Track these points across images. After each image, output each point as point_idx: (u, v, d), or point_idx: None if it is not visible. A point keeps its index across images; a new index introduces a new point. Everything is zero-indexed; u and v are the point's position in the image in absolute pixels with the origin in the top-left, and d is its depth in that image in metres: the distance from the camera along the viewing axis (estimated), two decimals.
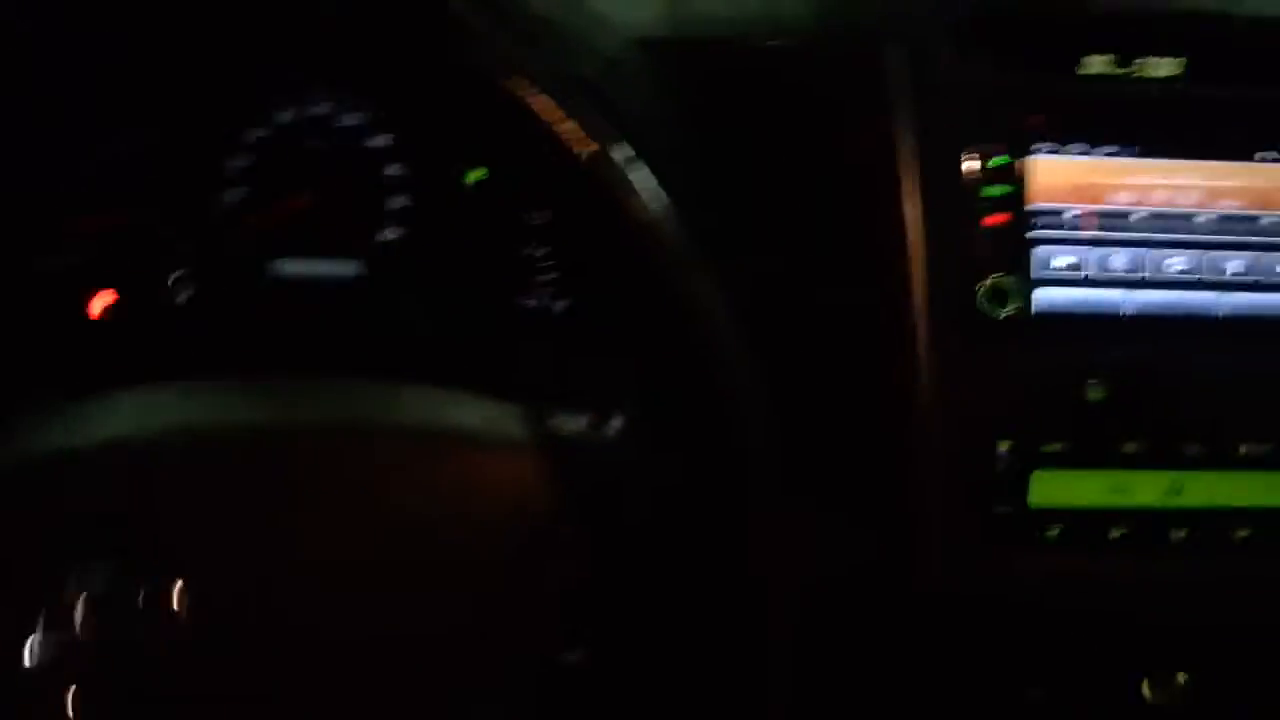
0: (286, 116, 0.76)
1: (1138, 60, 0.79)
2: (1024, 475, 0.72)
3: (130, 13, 0.65)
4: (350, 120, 0.77)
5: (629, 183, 0.52)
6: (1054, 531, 0.73)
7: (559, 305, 0.80)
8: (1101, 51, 0.79)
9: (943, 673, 0.81)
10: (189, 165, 0.75)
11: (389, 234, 0.78)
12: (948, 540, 0.72)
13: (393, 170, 0.78)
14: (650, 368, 0.52)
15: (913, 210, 0.71)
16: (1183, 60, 0.79)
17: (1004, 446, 0.72)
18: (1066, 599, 0.75)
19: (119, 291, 0.75)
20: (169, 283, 0.74)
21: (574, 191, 0.54)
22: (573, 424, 0.51)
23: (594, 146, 0.51)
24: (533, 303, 0.79)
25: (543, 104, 0.54)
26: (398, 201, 0.79)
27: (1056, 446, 0.72)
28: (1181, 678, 0.83)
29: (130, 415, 0.50)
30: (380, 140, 0.77)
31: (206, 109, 0.74)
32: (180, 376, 0.54)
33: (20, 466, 0.47)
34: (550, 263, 0.80)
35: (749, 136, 0.75)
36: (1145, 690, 0.83)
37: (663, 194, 0.53)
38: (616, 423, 0.51)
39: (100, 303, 0.74)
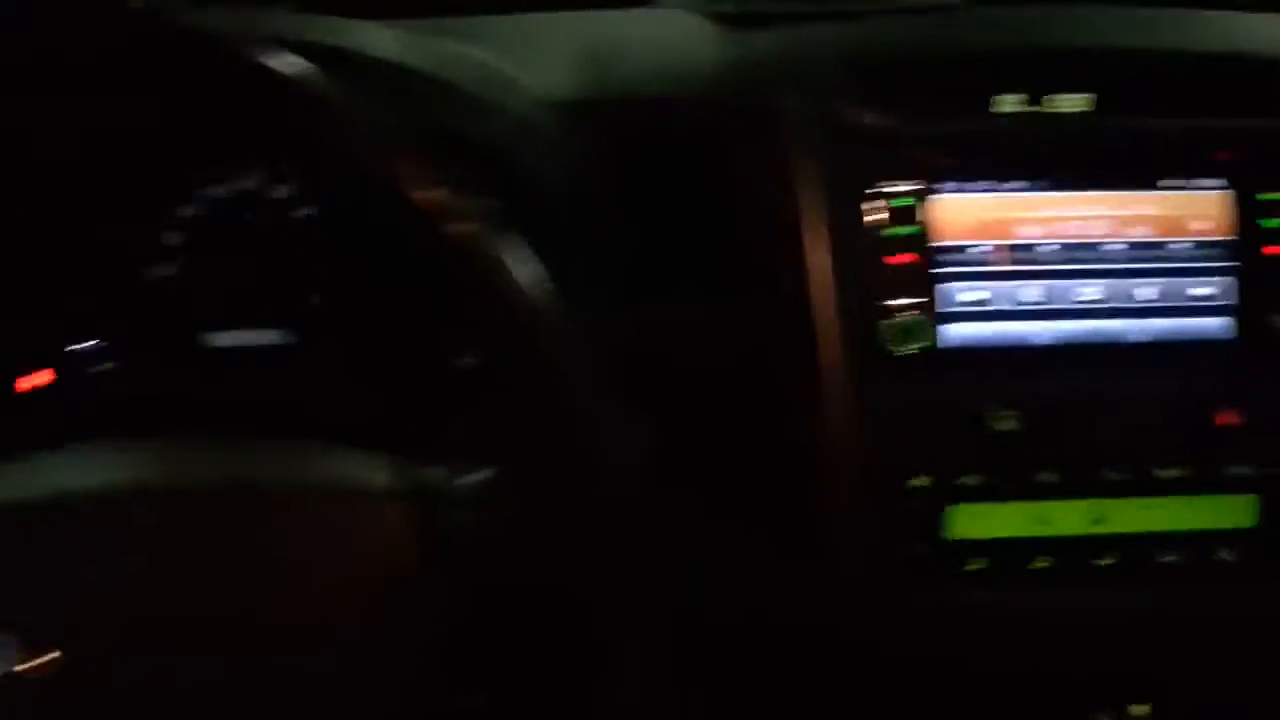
0: (217, 191, 0.79)
1: (1047, 97, 0.80)
2: (941, 510, 0.72)
3: (62, 93, 0.68)
4: (279, 193, 0.79)
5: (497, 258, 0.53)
6: (975, 565, 0.73)
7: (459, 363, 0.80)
8: (1010, 90, 0.80)
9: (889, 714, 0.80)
10: (121, 242, 0.78)
11: (314, 301, 0.80)
12: (867, 579, 0.72)
13: (316, 239, 0.81)
14: (514, 424, 0.54)
15: (816, 253, 0.73)
16: (1092, 95, 0.80)
17: (918, 482, 0.72)
18: (994, 634, 0.74)
19: (51, 367, 0.77)
20: (97, 356, 0.76)
21: (448, 261, 0.55)
22: (438, 476, 0.52)
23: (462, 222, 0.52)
24: (434, 362, 0.79)
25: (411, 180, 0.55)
26: (321, 270, 0.81)
27: (972, 480, 0.72)
28: (1138, 709, 0.82)
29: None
30: (305, 211, 0.79)
31: (138, 187, 0.77)
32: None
33: None
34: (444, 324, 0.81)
35: (661, 189, 0.77)
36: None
37: (533, 263, 0.54)
38: (481, 475, 0.52)
39: (29, 381, 0.76)
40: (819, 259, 0.73)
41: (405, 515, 0.51)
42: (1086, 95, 0.80)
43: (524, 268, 0.55)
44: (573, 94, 0.81)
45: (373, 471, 0.54)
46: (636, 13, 0.97)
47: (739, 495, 0.75)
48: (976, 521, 0.73)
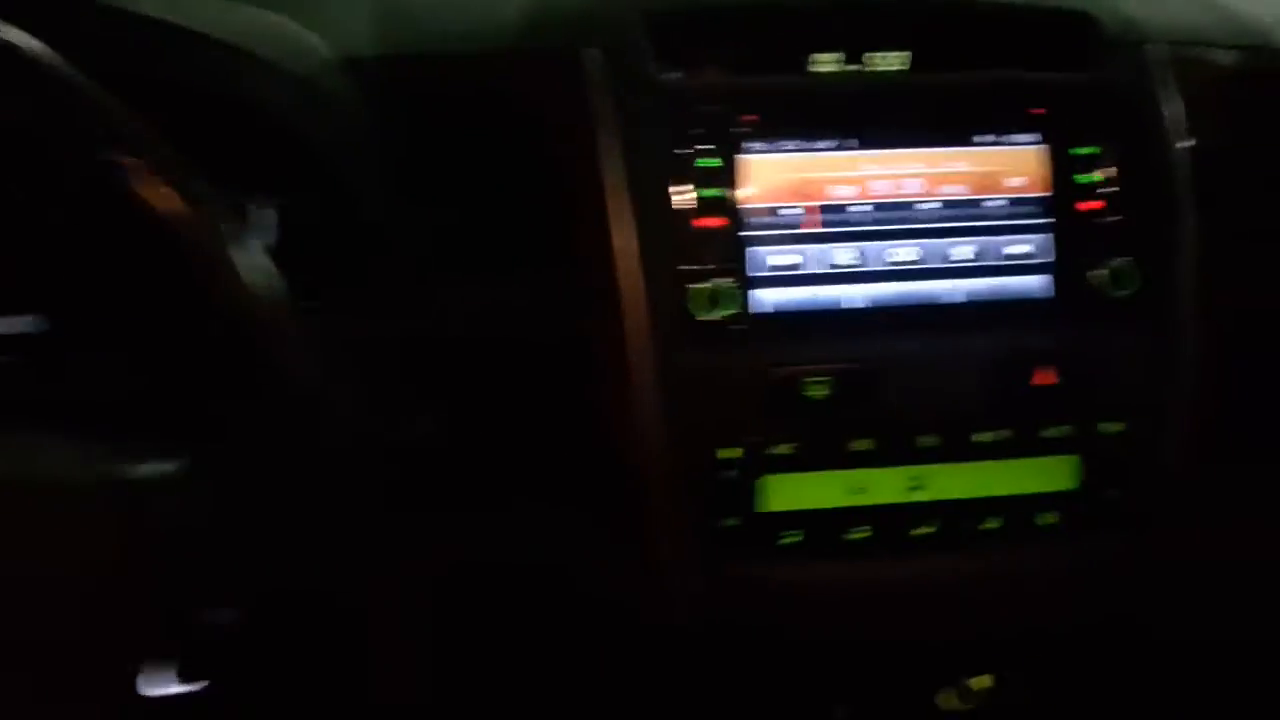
0: None
1: (864, 56, 0.78)
2: (753, 481, 0.69)
3: None
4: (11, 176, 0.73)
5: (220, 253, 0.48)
6: (791, 538, 0.70)
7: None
8: (826, 48, 0.77)
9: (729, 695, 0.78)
10: None
11: (64, 284, 0.73)
12: (679, 554, 0.69)
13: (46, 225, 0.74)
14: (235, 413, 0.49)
15: (622, 217, 0.69)
16: (908, 53, 0.77)
17: (729, 453, 0.69)
18: (813, 608, 0.71)
19: None
20: None
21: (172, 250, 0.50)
22: (147, 466, 0.47)
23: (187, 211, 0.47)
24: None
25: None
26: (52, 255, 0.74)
27: (785, 449, 0.69)
28: (978, 681, 0.80)
29: None
30: (35, 195, 0.73)
31: None
32: None
33: None
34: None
35: (458, 154, 0.73)
36: (945, 697, 0.80)
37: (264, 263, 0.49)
38: (190, 464, 0.48)
39: None
40: (624, 223, 0.70)
41: (108, 507, 0.46)
42: (903, 53, 0.77)
43: (253, 255, 0.50)
44: (366, 52, 0.76)
45: (75, 464, 0.49)
46: None
47: (549, 473, 0.71)
48: (790, 492, 0.70)
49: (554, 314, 0.71)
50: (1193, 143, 0.74)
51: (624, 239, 0.69)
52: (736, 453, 0.69)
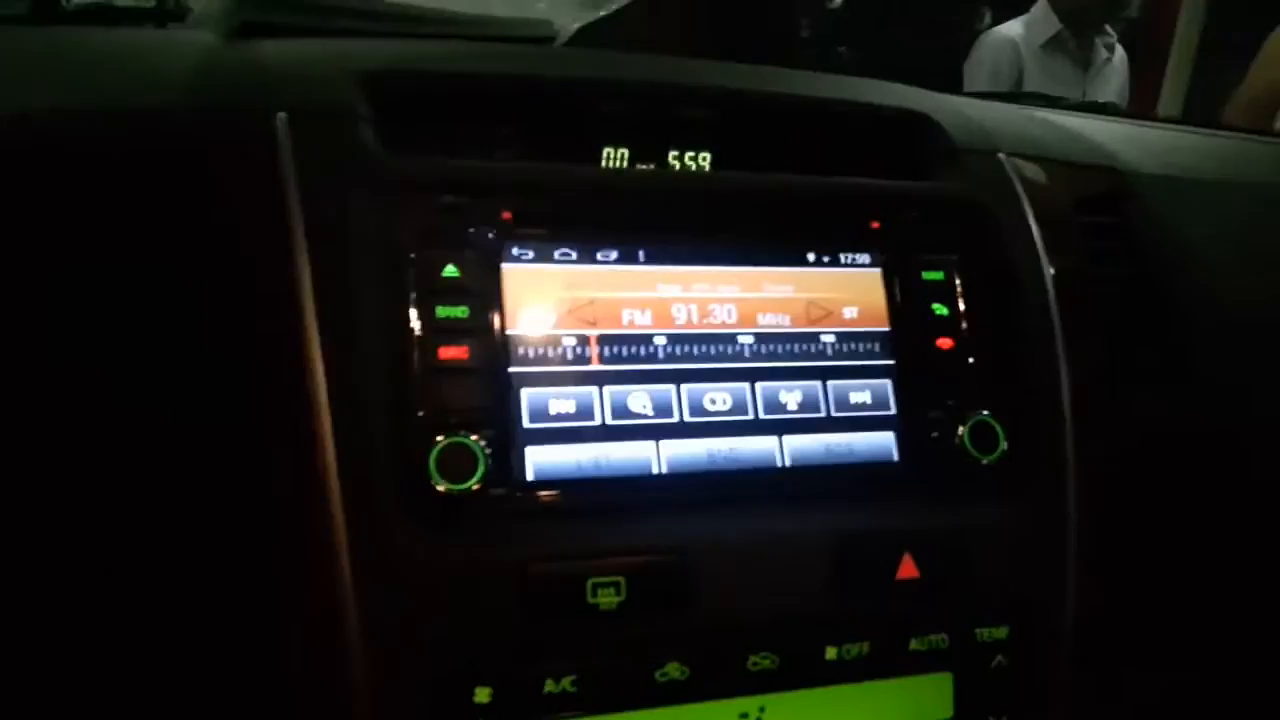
0: None
1: (658, 150, 0.60)
2: None
3: None
4: None
5: None
6: None
7: None
8: (611, 138, 0.59)
9: None
10: None
11: None
12: None
13: None
14: None
15: (315, 341, 0.46)
16: (712, 150, 0.60)
17: (483, 695, 0.45)
18: None
19: None
20: None
21: None
22: None
23: None
24: None
25: None
26: None
27: (565, 683, 0.46)
28: None
29: None
30: None
31: None
32: None
33: None
34: None
35: (103, 238, 0.48)
36: None
37: None
38: None
39: None
40: (316, 350, 0.46)
41: None
42: (704, 153, 0.60)
43: None
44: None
45: None
46: (147, 31, 0.69)
47: None
48: None
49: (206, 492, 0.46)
50: (1055, 269, 0.59)
51: (319, 375, 0.46)
52: (494, 693, 0.45)
